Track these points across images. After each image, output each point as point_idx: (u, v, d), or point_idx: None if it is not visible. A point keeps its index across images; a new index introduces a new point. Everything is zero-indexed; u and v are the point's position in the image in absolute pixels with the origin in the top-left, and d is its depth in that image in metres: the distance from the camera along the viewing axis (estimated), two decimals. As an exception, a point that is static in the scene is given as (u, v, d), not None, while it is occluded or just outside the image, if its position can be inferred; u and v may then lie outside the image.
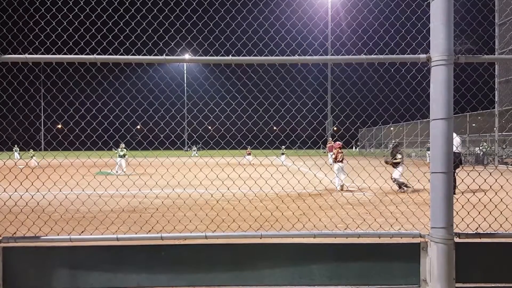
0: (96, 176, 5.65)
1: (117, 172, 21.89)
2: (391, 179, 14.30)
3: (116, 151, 22.52)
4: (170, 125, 5.13)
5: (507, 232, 3.71)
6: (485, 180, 4.68)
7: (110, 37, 4.24)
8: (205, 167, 5.95)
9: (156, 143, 5.20)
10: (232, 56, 3.66)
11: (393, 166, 14.46)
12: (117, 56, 3.61)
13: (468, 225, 4.55)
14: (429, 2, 3.39)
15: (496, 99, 28.87)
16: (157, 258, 3.56)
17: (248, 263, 3.57)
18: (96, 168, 19.95)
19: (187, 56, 3.89)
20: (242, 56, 3.69)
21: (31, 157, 29.27)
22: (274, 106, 4.73)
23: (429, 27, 3.41)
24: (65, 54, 3.70)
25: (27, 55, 3.52)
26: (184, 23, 4.50)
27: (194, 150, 54.71)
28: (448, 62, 3.28)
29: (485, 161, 31.37)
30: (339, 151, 15.09)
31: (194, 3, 4.47)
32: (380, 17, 4.74)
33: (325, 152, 35.65)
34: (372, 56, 3.63)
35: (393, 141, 15.62)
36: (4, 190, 4.31)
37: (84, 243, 3.67)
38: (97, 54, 3.59)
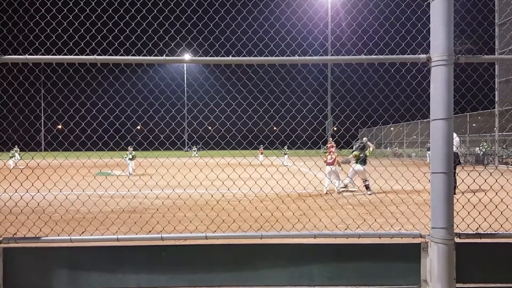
0: (96, 176, 5.65)
1: (130, 174, 22.38)
2: (347, 178, 13.93)
3: (126, 154, 22.96)
4: (170, 125, 5.14)
5: (507, 232, 3.71)
6: (485, 180, 4.68)
7: (110, 38, 4.24)
8: (205, 168, 5.95)
9: (157, 143, 5.20)
10: (232, 56, 3.66)
11: (350, 165, 13.94)
12: (117, 57, 3.62)
13: (468, 225, 4.55)
14: (429, 2, 3.40)
15: (496, 99, 28.86)
16: (158, 259, 3.56)
17: (249, 264, 3.57)
18: (97, 169, 19.96)
19: (187, 56, 3.89)
20: (242, 56, 3.69)
21: (10, 157, 29.30)
22: (274, 107, 4.73)
23: (429, 27, 3.41)
24: (65, 54, 3.70)
25: (27, 56, 3.52)
26: (184, 24, 4.50)
27: (194, 151, 54.74)
28: (448, 62, 3.28)
29: (485, 161, 31.37)
30: (333, 151, 14.56)
31: (194, 4, 4.48)
32: (380, 17, 4.74)
33: (325, 152, 35.67)
34: (372, 56, 3.63)
35: (361, 141, 14.41)
36: (5, 191, 4.31)
37: (84, 243, 3.67)
38: (97, 55, 3.59)
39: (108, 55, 3.65)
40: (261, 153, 34.35)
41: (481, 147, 32.83)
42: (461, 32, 4.83)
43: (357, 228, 6.83)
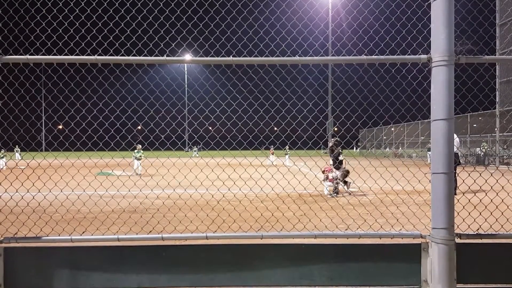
0: (97, 176, 5.66)
1: (138, 174, 22.09)
2: (336, 179, 13.63)
3: (134, 153, 22.69)
4: (171, 125, 5.14)
5: (508, 233, 3.70)
6: (486, 180, 4.67)
7: (111, 38, 4.25)
8: (206, 168, 5.96)
9: (157, 143, 5.20)
10: (232, 56, 3.66)
11: (337, 168, 13.59)
12: (118, 57, 3.62)
13: (469, 226, 4.55)
14: (430, 2, 3.40)
15: (497, 100, 28.84)
16: (158, 259, 3.56)
17: (249, 264, 3.57)
18: (97, 169, 19.97)
19: (188, 57, 3.89)
20: (243, 56, 3.69)
21: (0, 157, 29.33)
22: (275, 107, 4.73)
23: (430, 28, 3.41)
24: (66, 55, 3.71)
25: (28, 56, 3.52)
26: (185, 24, 4.51)
27: (195, 151, 54.77)
28: (449, 62, 3.28)
29: (486, 161, 31.35)
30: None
31: (195, 4, 4.48)
32: (381, 17, 4.74)
33: (325, 153, 35.67)
34: (373, 56, 3.64)
35: (335, 138, 13.95)
36: (5, 191, 4.32)
37: (85, 243, 3.67)
38: (98, 55, 3.60)
39: (109, 55, 3.65)
40: (272, 153, 33.73)
41: (481, 148, 32.82)
42: (462, 32, 4.83)
43: (357, 228, 6.81)
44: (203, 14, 4.55)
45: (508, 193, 5.14)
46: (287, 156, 33.30)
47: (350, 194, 13.80)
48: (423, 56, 3.45)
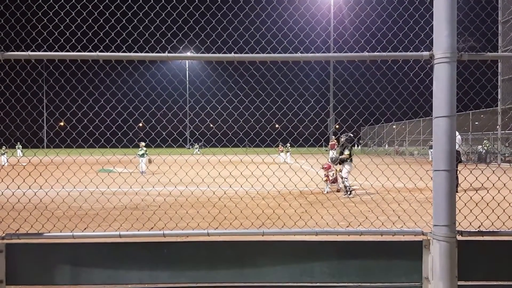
0: (98, 173, 5.66)
1: (142, 172, 21.56)
2: (340, 177, 13.54)
3: (138, 151, 22.22)
4: (173, 122, 5.13)
5: (509, 230, 3.70)
6: (487, 178, 4.67)
7: (113, 34, 4.24)
8: (207, 165, 5.96)
9: (159, 140, 5.20)
10: (234, 53, 3.65)
11: (340, 163, 13.38)
12: (120, 54, 3.61)
13: (470, 223, 4.54)
14: (432, -1, 3.38)
15: (499, 97, 28.79)
16: (159, 255, 3.56)
17: (250, 260, 3.57)
18: (99, 166, 19.98)
19: (189, 53, 3.89)
20: (245, 53, 3.69)
21: (1, 154, 29.36)
22: (276, 104, 4.72)
23: (432, 25, 3.40)
24: (67, 51, 3.70)
25: (29, 52, 3.52)
26: (187, 20, 4.50)
27: (196, 148, 54.78)
28: (451, 59, 3.27)
29: (488, 159, 31.31)
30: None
31: (196, 0, 4.47)
32: (383, 14, 4.73)
33: (327, 150, 35.65)
34: (375, 53, 3.62)
35: (346, 133, 13.61)
36: (7, 187, 4.33)
37: (86, 240, 3.67)
38: (99, 51, 3.59)
39: (111, 52, 3.65)
40: (281, 151, 32.96)
41: (483, 145, 32.77)
42: (464, 29, 4.81)
43: (359, 225, 6.83)
44: (204, 11, 4.54)
45: (510, 191, 5.14)
46: (288, 154, 33.25)
47: (338, 191, 13.76)
48: (425, 53, 3.44)
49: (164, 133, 5.15)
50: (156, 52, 3.73)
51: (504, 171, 4.97)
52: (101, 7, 4.28)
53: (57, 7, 4.21)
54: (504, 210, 4.99)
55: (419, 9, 4.24)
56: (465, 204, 4.65)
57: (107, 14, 4.26)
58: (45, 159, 4.78)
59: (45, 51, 3.61)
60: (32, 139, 5.05)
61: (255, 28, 4.44)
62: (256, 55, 3.65)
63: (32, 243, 3.62)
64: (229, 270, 3.57)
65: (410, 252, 3.51)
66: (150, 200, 10.68)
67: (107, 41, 4.14)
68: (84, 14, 4.27)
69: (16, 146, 36.19)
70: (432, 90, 3.39)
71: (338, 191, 14.01)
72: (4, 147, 29.45)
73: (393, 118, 5.41)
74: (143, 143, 21.56)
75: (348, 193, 12.95)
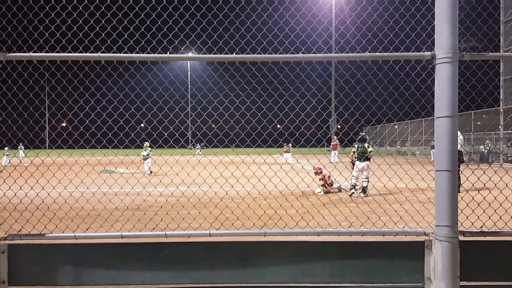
0: (100, 174, 5.67)
1: (146, 172, 20.59)
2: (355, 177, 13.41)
3: (142, 151, 21.17)
4: (174, 123, 5.14)
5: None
6: (490, 178, 4.66)
7: (115, 35, 4.25)
8: (209, 165, 5.97)
9: (160, 141, 5.21)
10: (235, 54, 3.65)
11: (353, 163, 13.39)
12: (121, 54, 3.62)
13: (472, 223, 4.54)
14: (434, -1, 3.37)
15: (501, 97, 28.73)
16: (161, 256, 3.57)
17: (252, 261, 3.57)
18: (101, 166, 20.01)
19: (190, 54, 3.89)
20: (246, 54, 3.68)
21: (6, 154, 29.33)
22: (278, 104, 4.73)
23: (434, 25, 3.39)
24: (69, 52, 3.71)
25: (31, 53, 3.53)
26: (188, 21, 4.50)
27: (198, 148, 54.77)
28: (453, 59, 3.26)
29: (490, 159, 31.24)
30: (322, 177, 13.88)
31: (198, 1, 4.47)
32: (385, 14, 4.73)
33: (329, 150, 35.66)
34: (376, 53, 3.62)
35: (361, 133, 13.96)
36: (9, 188, 4.34)
37: (88, 240, 3.68)
38: (101, 52, 3.60)
39: (112, 53, 3.65)
40: (286, 151, 31.92)
41: (485, 145, 32.70)
42: (466, 29, 4.80)
43: (360, 226, 6.83)
44: (206, 11, 4.55)
45: (512, 191, 5.12)
46: (290, 154, 33.14)
47: (340, 191, 13.72)
48: (427, 53, 3.43)
49: (166, 134, 5.16)
50: (158, 53, 3.73)
51: (506, 171, 4.96)
52: (103, 8, 4.29)
53: (58, 8, 4.22)
54: (506, 211, 4.98)
55: (420, 9, 4.24)
56: (467, 204, 4.64)
57: (109, 15, 4.27)
58: (47, 160, 4.79)
59: (47, 52, 3.62)
60: (34, 140, 5.06)
61: (256, 29, 4.45)
62: (257, 56, 3.65)
63: (34, 243, 3.62)
64: (231, 271, 3.57)
65: (412, 253, 3.51)
66: (152, 201, 10.69)
67: (109, 42, 4.14)
68: (86, 15, 4.28)
69: (18, 147, 36.27)
70: (433, 90, 3.38)
71: (339, 190, 13.98)
72: (7, 148, 29.47)
73: (395, 118, 5.40)
74: (147, 143, 20.76)
75: (363, 192, 12.99)
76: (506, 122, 29.54)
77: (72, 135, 5.02)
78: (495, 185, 4.83)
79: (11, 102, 4.50)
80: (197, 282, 3.58)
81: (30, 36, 4.23)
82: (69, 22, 4.19)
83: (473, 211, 4.73)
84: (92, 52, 3.68)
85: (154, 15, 4.38)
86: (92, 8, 4.26)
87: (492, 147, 32.23)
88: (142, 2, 4.32)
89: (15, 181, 4.52)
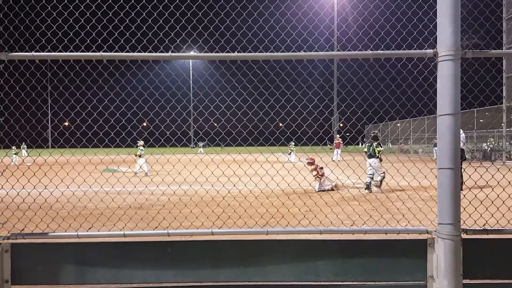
0: (103, 173, 5.68)
1: (146, 173, 20.11)
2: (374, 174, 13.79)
3: (138, 151, 20.40)
4: (176, 122, 5.14)
5: (515, 228, 3.68)
6: (492, 176, 4.64)
7: (116, 34, 4.25)
8: (211, 164, 5.96)
9: (162, 140, 5.21)
10: (237, 52, 3.65)
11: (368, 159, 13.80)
12: (123, 53, 3.62)
13: (475, 221, 4.53)
14: (436, -4, 3.36)
15: (503, 94, 28.63)
16: (164, 254, 3.57)
17: (254, 259, 3.57)
18: (103, 165, 20.01)
19: (192, 52, 3.89)
20: (248, 52, 3.68)
21: (15, 153, 29.33)
22: (280, 103, 4.72)
23: (436, 22, 3.38)
24: (71, 51, 3.72)
25: (33, 53, 3.53)
26: (190, 20, 4.50)
27: (200, 147, 54.76)
28: (455, 57, 3.25)
29: (492, 157, 31.15)
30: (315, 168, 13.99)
31: (200, 0, 4.47)
32: (387, 12, 4.71)
33: (331, 149, 35.64)
34: (379, 51, 3.61)
35: (373, 131, 15.08)
36: (12, 187, 4.35)
37: (91, 239, 3.69)
38: (103, 51, 3.60)
39: (114, 52, 3.65)
40: (291, 150, 31.23)
41: (488, 143, 32.61)
42: (469, 26, 4.79)
43: (363, 224, 6.82)
44: (207, 10, 4.54)
45: (515, 189, 5.11)
46: (292, 153, 33.00)
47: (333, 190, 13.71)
48: (429, 51, 3.43)
49: (168, 133, 5.16)
50: (160, 52, 3.73)
51: (509, 169, 4.95)
52: (105, 7, 4.29)
53: (60, 8, 4.22)
54: (509, 208, 4.97)
55: (422, 7, 4.22)
56: (470, 202, 4.64)
57: (111, 14, 4.27)
58: (49, 159, 4.80)
59: (49, 51, 3.63)
60: (37, 139, 5.07)
61: (258, 27, 4.44)
62: (259, 54, 3.65)
63: (37, 242, 3.64)
64: (233, 269, 3.57)
65: (414, 251, 3.50)
66: (155, 200, 10.70)
67: (111, 41, 4.14)
68: (88, 15, 4.28)
69: (21, 146, 36.37)
70: (436, 88, 3.38)
71: (332, 189, 13.92)
72: (15, 147, 29.51)
73: (397, 116, 5.39)
74: (141, 142, 19.93)
75: (367, 190, 13.36)
76: (509, 119, 29.44)
77: (74, 134, 5.03)
78: (498, 183, 4.81)
79: (13, 102, 4.51)
80: (199, 281, 3.58)
81: (32, 35, 4.24)
82: (71, 21, 4.20)
83: (475, 209, 4.72)
84: (94, 51, 3.68)
85: (155, 14, 4.38)
86: (94, 7, 4.26)
87: (495, 145, 32.13)
88: (144, 1, 4.32)
89: (17, 180, 4.53)
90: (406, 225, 6.89)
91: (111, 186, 5.35)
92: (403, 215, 6.30)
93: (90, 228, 7.07)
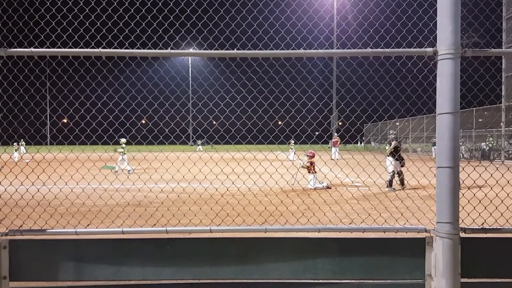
0: (101, 170, 5.67)
1: (117, 171, 19.48)
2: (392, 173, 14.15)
3: (120, 148, 19.76)
4: (175, 119, 5.13)
5: (513, 227, 3.68)
6: (491, 175, 4.65)
7: (115, 31, 4.24)
8: (210, 161, 5.96)
9: (161, 137, 5.20)
10: (237, 49, 3.64)
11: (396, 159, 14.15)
12: (122, 50, 3.61)
13: (474, 220, 4.53)
14: (436, -5, 3.36)
15: (503, 94, 28.67)
16: (162, 252, 3.57)
17: (253, 257, 3.57)
18: (102, 162, 19.98)
19: (191, 49, 3.88)
20: (247, 49, 3.67)
21: (15, 150, 29.27)
22: (279, 100, 4.71)
23: (436, 21, 3.38)
24: (70, 47, 3.70)
25: (32, 49, 3.52)
26: (189, 17, 4.49)
27: (198, 145, 54.69)
28: (455, 55, 3.25)
29: (491, 156, 31.20)
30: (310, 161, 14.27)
31: (199, -3, 4.46)
32: (387, 10, 4.70)
33: (329, 147, 35.62)
34: (378, 49, 3.60)
35: (391, 131, 15.65)
36: (10, 184, 4.34)
37: (89, 236, 3.68)
38: (102, 48, 3.59)
39: (113, 48, 3.64)
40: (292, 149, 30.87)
41: (487, 142, 32.65)
42: (468, 25, 4.79)
43: (361, 222, 6.82)
44: (207, 7, 4.53)
45: (513, 188, 5.11)
46: (292, 150, 32.92)
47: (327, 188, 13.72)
48: (429, 49, 3.42)
49: (166, 130, 5.15)
50: (159, 49, 3.72)
51: (508, 168, 4.95)
52: (104, 4, 4.28)
53: (59, 4, 4.21)
54: (507, 207, 4.97)
55: (422, 5, 4.21)
56: (469, 201, 4.64)
57: (110, 11, 4.26)
58: (48, 155, 4.78)
59: (47, 47, 3.61)
60: (35, 136, 5.06)
61: (257, 24, 4.43)
62: (258, 52, 3.64)
63: (36, 239, 3.63)
64: (231, 267, 3.57)
65: (412, 249, 3.51)
66: (153, 197, 10.70)
67: (110, 37, 4.13)
68: (87, 11, 4.27)
69: (20, 143, 36.33)
70: (435, 86, 3.37)
71: (329, 187, 13.91)
72: (16, 144, 29.41)
73: (396, 114, 5.39)
74: (123, 140, 18.50)
75: (391, 187, 13.62)
76: (508, 119, 29.48)
77: (73, 131, 5.01)
78: (497, 182, 4.82)
79: (12, 98, 4.50)
80: (198, 278, 3.58)
81: (31, 31, 4.22)
82: (70, 17, 4.18)
83: (474, 208, 4.73)
84: (93, 47, 3.67)
85: (155, 11, 4.37)
86: (93, 3, 4.25)
87: (494, 144, 32.17)
88: (143, -3, 4.31)
89: (16, 177, 4.53)
90: (405, 223, 6.90)
91: (109, 183, 5.34)
92: (402, 214, 6.31)
93: (88, 225, 7.06)
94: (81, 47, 3.72)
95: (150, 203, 10.15)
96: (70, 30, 4.17)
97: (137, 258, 3.56)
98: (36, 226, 4.13)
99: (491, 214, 4.79)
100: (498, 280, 3.59)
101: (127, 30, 4.28)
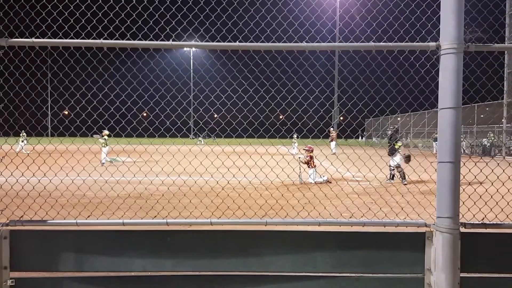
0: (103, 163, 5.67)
1: (103, 163, 17.72)
2: (391, 167, 14.39)
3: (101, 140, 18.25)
4: (176, 111, 5.12)
5: (513, 222, 3.68)
6: (492, 170, 4.64)
7: (117, 22, 4.22)
8: (211, 154, 5.97)
9: (162, 129, 5.20)
10: (239, 42, 3.63)
11: (389, 154, 14.47)
12: (124, 41, 3.60)
13: (474, 215, 4.53)
14: (440, -11, 3.33)
15: (505, 89, 28.60)
16: (163, 244, 3.58)
17: (253, 250, 3.58)
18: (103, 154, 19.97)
19: (193, 41, 3.86)
20: (249, 42, 3.66)
21: (22, 141, 29.20)
22: (280, 94, 4.70)
23: (439, 15, 3.36)
24: (72, 38, 3.69)
25: (33, 39, 3.51)
26: (191, 8, 4.47)
27: (200, 138, 54.66)
28: (458, 50, 3.23)
29: (492, 152, 31.18)
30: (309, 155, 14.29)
31: (202, -12, 4.43)
32: (390, 3, 4.68)
33: (330, 142, 35.58)
34: (381, 43, 3.59)
35: (392, 126, 16.22)
36: (11, 174, 4.34)
37: (90, 227, 3.69)
38: (103, 39, 3.58)
39: (115, 39, 3.63)
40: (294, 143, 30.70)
41: (488, 138, 32.61)
42: (472, 20, 4.75)
43: (362, 216, 6.83)
44: (209, -1, 4.51)
45: (514, 183, 5.10)
46: (295, 145, 32.84)
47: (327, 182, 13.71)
48: (432, 44, 3.40)
49: (168, 122, 5.14)
50: (161, 40, 3.70)
51: (509, 164, 4.94)
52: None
53: (61, -6, 4.19)
54: (508, 203, 4.97)
55: (426, 0, 4.19)
56: (469, 196, 4.64)
57: (112, 1, 4.24)
58: (49, 146, 4.78)
59: (49, 38, 3.60)
60: (36, 127, 5.06)
61: (260, 17, 4.40)
62: (261, 44, 3.62)
63: (36, 230, 3.64)
64: (231, 259, 3.58)
65: (412, 244, 3.51)
66: (154, 189, 10.72)
67: (112, 28, 4.11)
68: (89, 1, 4.25)
69: (21, 134, 36.34)
70: (437, 81, 3.36)
71: (329, 182, 13.91)
72: (21, 134, 29.38)
73: (398, 109, 5.37)
74: (106, 132, 17.59)
75: (402, 179, 14.11)
76: (510, 114, 29.42)
77: (74, 122, 5.01)
78: (498, 177, 4.81)
79: (13, 88, 4.49)
80: (198, 270, 3.59)
81: (32, 21, 4.20)
82: (72, 8, 4.16)
83: (474, 203, 4.73)
84: (94, 38, 3.66)
85: (157, 2, 4.35)
86: (94, -6, 4.22)
87: (495, 140, 32.13)
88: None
89: (17, 168, 4.53)
90: (405, 218, 6.90)
91: (110, 174, 5.35)
92: (402, 208, 6.31)
93: (89, 216, 7.09)
94: (83, 38, 3.70)
95: (151, 195, 10.17)
96: (72, 21, 4.15)
97: (137, 249, 3.57)
98: (37, 216, 4.14)
99: (491, 209, 4.79)
100: (497, 275, 3.60)
101: (128, 21, 4.26)
